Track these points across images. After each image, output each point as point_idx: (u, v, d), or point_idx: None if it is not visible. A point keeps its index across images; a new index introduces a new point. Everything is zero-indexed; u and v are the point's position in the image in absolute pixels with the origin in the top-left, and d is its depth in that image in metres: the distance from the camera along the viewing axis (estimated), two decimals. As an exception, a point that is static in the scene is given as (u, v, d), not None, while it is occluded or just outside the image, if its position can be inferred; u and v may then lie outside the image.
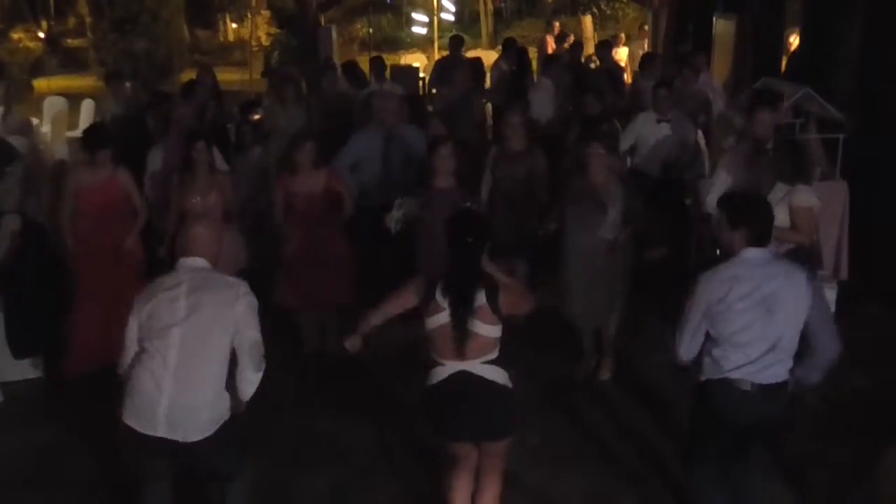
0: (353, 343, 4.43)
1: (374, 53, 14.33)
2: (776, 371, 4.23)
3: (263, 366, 4.18)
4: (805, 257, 5.78)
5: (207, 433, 4.07)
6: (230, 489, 4.37)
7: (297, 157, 6.58)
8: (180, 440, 4.03)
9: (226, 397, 4.15)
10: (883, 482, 3.84)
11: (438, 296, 4.16)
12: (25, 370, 6.55)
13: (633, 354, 6.75)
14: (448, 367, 4.21)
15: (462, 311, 4.11)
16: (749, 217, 4.24)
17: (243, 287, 4.20)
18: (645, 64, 11.00)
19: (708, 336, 4.28)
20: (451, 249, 4.24)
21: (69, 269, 6.73)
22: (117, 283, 6.48)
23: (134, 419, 4.06)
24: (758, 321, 4.15)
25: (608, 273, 6.21)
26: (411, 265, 6.56)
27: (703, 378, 4.33)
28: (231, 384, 4.15)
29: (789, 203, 5.62)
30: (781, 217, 5.54)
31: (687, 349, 4.32)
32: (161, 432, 4.02)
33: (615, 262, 6.21)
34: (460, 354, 4.16)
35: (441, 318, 4.15)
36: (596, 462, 5.48)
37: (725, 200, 4.44)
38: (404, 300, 4.32)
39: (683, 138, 8.31)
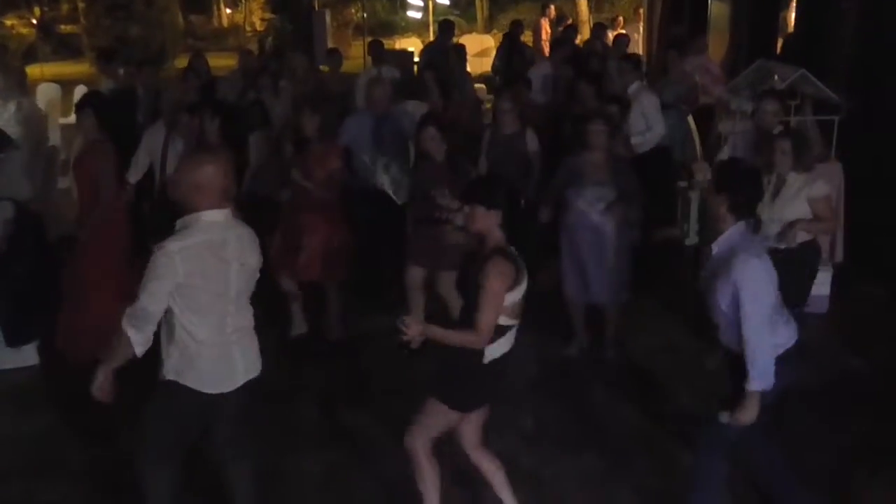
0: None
1: (369, 38, 14.27)
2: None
3: None
4: (812, 253, 5.84)
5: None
6: (247, 467, 4.37)
7: (304, 125, 6.64)
8: (245, 380, 4.14)
9: None
10: None
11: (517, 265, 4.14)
12: (20, 358, 6.53)
13: (629, 336, 6.75)
14: (515, 327, 4.23)
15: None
16: (733, 183, 4.21)
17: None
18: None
19: None
20: (511, 217, 4.23)
21: (66, 251, 6.73)
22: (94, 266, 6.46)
23: (202, 381, 4.04)
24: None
25: (607, 249, 6.27)
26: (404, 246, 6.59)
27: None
28: None
29: (808, 195, 5.65)
30: (802, 209, 5.64)
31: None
32: (239, 379, 4.11)
33: (614, 239, 6.25)
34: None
35: (523, 286, 4.16)
36: (591, 445, 5.48)
37: (718, 165, 4.45)
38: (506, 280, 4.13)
39: (644, 112, 8.20)
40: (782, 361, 4.13)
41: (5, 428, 5.79)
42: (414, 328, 4.08)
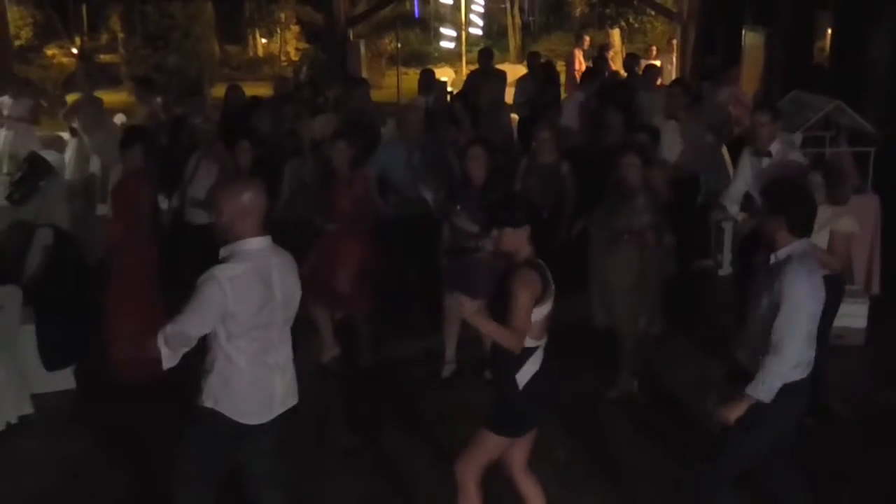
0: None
1: (403, 68, 14.41)
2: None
3: None
4: (838, 285, 5.76)
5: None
6: (281, 499, 4.38)
7: (334, 158, 6.71)
8: (283, 410, 4.18)
9: None
10: None
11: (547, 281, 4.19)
12: (58, 382, 6.59)
13: (662, 368, 6.71)
14: (541, 346, 4.26)
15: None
16: (789, 202, 4.23)
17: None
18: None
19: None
20: (540, 232, 4.34)
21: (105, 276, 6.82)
22: (139, 288, 6.56)
23: (240, 411, 4.07)
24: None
25: (631, 278, 6.19)
26: (438, 275, 6.60)
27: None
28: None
29: (833, 228, 5.59)
30: (823, 240, 5.56)
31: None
32: (276, 410, 4.14)
33: (641, 268, 6.19)
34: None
35: (551, 302, 4.19)
36: (623, 479, 5.45)
37: (767, 187, 4.49)
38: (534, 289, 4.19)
39: (696, 141, 8.20)
40: (793, 388, 4.13)
41: (41, 451, 5.85)
42: (468, 306, 4.22)
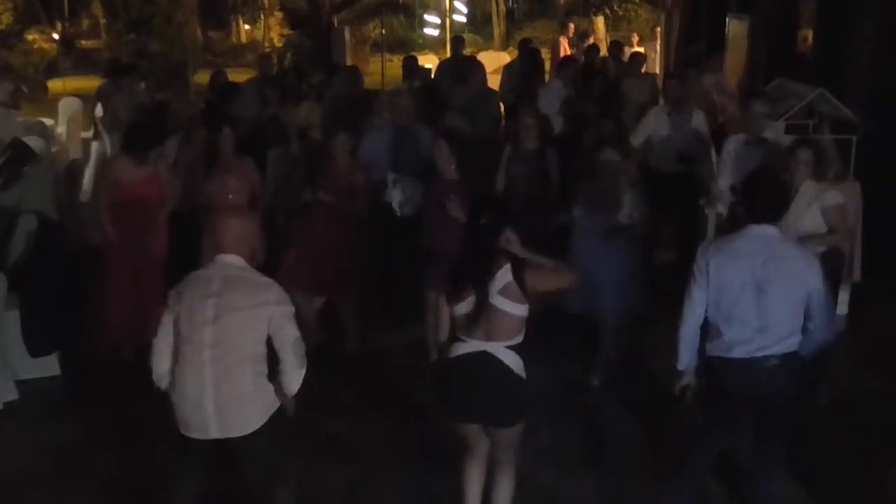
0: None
1: (387, 54, 14.37)
2: (773, 348, 4.31)
3: (305, 362, 4.19)
4: (836, 262, 5.83)
5: (257, 425, 4.11)
6: (278, 494, 4.39)
7: (333, 147, 6.74)
8: (234, 436, 4.08)
9: (270, 388, 4.17)
10: None
11: (463, 281, 4.19)
12: (42, 368, 6.58)
13: (647, 355, 6.75)
14: (470, 345, 4.22)
15: (480, 287, 4.12)
16: (763, 192, 4.35)
17: (276, 290, 4.17)
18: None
19: (709, 312, 4.38)
20: (466, 232, 4.29)
21: (90, 262, 6.87)
22: (144, 268, 6.75)
23: (186, 428, 4.09)
24: (746, 300, 4.27)
25: (611, 268, 6.21)
26: (419, 262, 6.61)
27: (707, 354, 4.44)
28: (275, 379, 4.17)
29: (821, 205, 5.64)
30: (815, 221, 5.63)
31: (692, 319, 4.45)
32: (214, 434, 4.06)
33: (621, 261, 6.23)
34: (486, 335, 4.18)
35: (468, 302, 4.17)
36: (609, 464, 5.49)
37: (744, 179, 4.59)
38: (441, 307, 4.35)
39: (697, 131, 8.29)
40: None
41: (29, 437, 5.85)
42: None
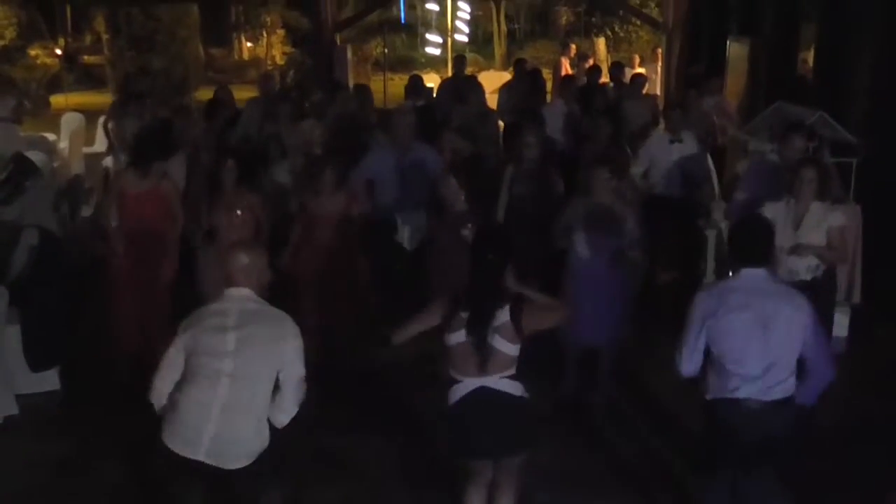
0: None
1: (389, 73, 14.43)
2: (778, 388, 4.28)
3: (302, 400, 4.19)
4: (828, 284, 5.87)
5: (247, 462, 4.09)
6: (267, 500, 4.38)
7: (319, 181, 6.69)
8: (221, 466, 4.05)
9: (266, 427, 4.15)
10: None
11: (461, 312, 4.21)
12: (42, 382, 6.58)
13: (646, 374, 6.75)
14: (466, 384, 4.25)
15: (481, 327, 4.14)
16: (746, 237, 4.37)
17: (291, 324, 4.17)
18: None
19: (710, 354, 4.34)
20: (472, 266, 4.30)
21: (91, 277, 6.83)
22: (150, 287, 6.68)
23: (175, 442, 4.06)
24: (754, 339, 4.22)
25: (609, 293, 6.19)
26: (424, 280, 6.63)
27: (709, 397, 4.41)
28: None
29: (828, 225, 5.76)
30: (821, 241, 5.73)
31: (687, 365, 4.40)
32: (202, 456, 4.03)
33: (617, 283, 6.22)
34: (481, 370, 4.20)
35: (462, 334, 4.19)
36: (607, 482, 5.49)
37: (731, 226, 4.63)
38: (430, 318, 4.38)
39: (697, 158, 8.34)
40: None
41: (29, 452, 5.84)
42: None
